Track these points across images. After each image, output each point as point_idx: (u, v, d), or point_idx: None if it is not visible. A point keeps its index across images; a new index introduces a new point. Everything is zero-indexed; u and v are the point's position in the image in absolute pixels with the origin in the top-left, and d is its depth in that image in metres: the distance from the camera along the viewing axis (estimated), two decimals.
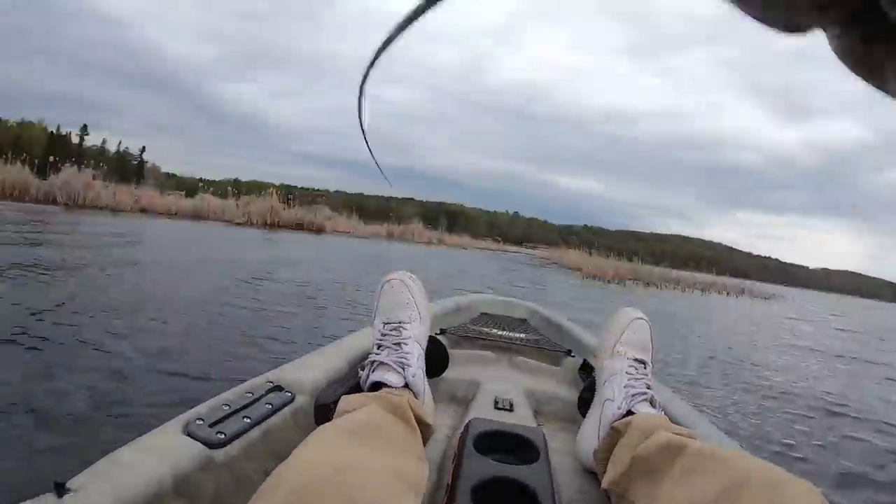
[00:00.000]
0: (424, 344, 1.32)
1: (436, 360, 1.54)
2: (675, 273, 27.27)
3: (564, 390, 1.69)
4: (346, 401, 1.04)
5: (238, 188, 29.97)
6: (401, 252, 19.27)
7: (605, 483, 1.01)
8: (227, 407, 1.01)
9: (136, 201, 22.61)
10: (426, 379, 1.27)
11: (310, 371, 1.26)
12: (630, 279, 20.66)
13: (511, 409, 1.44)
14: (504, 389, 1.57)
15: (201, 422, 0.94)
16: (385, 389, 1.14)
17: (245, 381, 1.15)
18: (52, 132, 53.07)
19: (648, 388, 1.20)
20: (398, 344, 1.24)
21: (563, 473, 1.19)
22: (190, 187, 30.85)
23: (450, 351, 1.66)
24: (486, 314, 2.56)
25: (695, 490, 0.79)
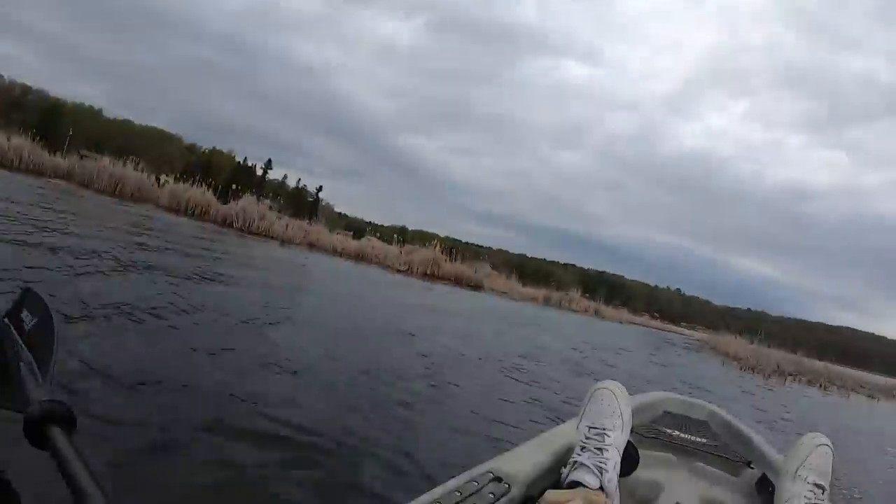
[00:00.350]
0: (622, 450, 1.41)
1: (627, 461, 1.54)
2: (840, 370, 25.68)
3: (741, 501, 1.75)
4: (550, 495, 1.20)
5: (403, 236, 31.44)
6: (556, 321, 19.34)
7: None
8: (459, 494, 1.17)
9: (305, 235, 24.15)
10: (618, 483, 1.36)
11: (522, 464, 1.38)
12: (791, 375, 19.50)
13: None
14: (685, 495, 1.67)
15: None
16: (582, 489, 1.25)
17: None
18: (238, 162, 56.36)
19: None
20: (599, 449, 1.34)
21: None
22: (358, 229, 32.42)
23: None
24: (668, 413, 2.55)
25: None
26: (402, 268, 24.68)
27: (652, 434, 2.19)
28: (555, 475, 1.41)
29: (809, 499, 1.32)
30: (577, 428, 1.45)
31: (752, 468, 2.03)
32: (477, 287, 26.85)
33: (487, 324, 11.95)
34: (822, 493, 1.34)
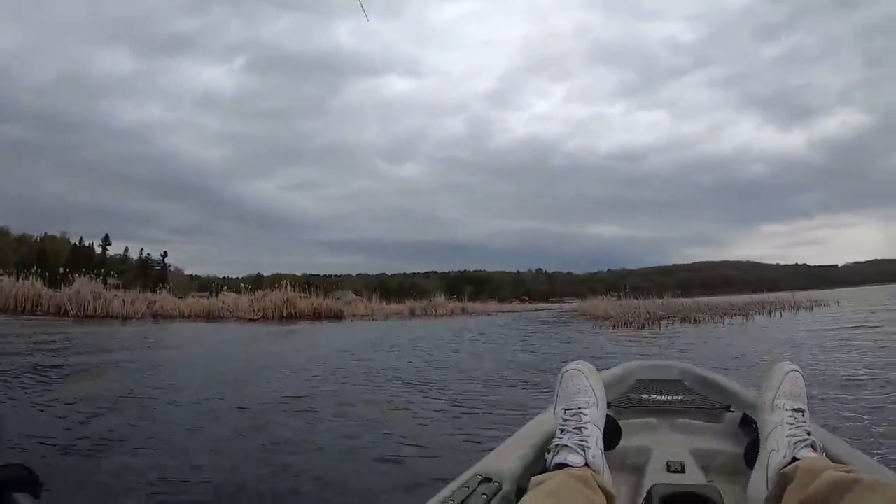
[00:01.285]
0: (602, 425, 1.47)
1: (610, 434, 1.59)
2: (707, 300, 25.68)
3: (729, 445, 1.78)
4: (536, 479, 1.25)
5: (259, 284, 30.21)
6: (418, 330, 18.35)
7: None
8: (453, 502, 1.19)
9: (150, 307, 22.89)
10: (604, 456, 1.42)
11: (508, 460, 1.43)
12: (664, 318, 19.34)
13: (683, 471, 1.55)
14: (673, 452, 1.66)
15: None
16: (568, 469, 1.29)
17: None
18: (74, 244, 53.63)
19: (809, 434, 1.33)
20: (578, 428, 1.39)
21: None
22: (213, 287, 30.22)
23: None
24: (641, 380, 2.58)
25: None
26: (255, 316, 23.87)
27: (630, 403, 2.27)
28: (542, 463, 1.42)
29: (792, 424, 1.35)
30: (554, 413, 1.50)
31: (731, 412, 2.11)
32: (338, 317, 26.33)
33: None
34: (803, 416, 1.38)
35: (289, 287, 26.17)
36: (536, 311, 44.11)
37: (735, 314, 20.30)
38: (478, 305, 41.51)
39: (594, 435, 1.39)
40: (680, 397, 2.34)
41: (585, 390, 1.48)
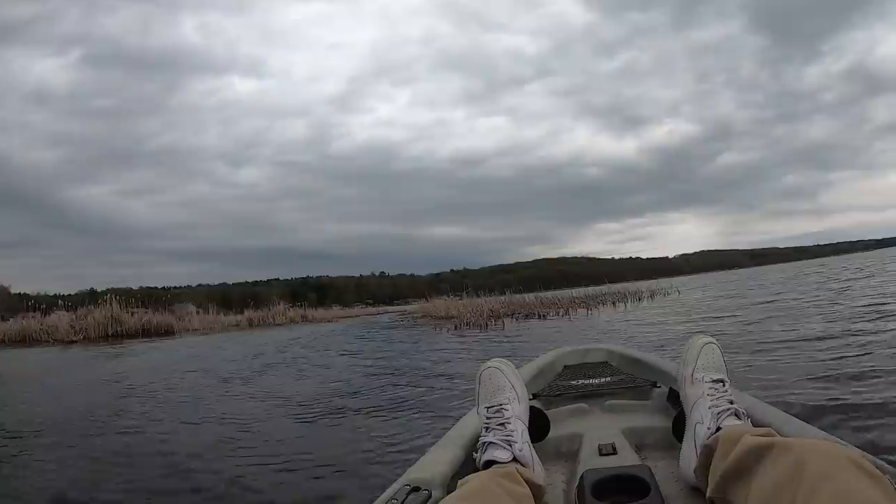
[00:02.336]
0: (526, 418, 1.46)
1: (538, 425, 1.59)
2: (551, 294, 25.60)
3: (659, 420, 1.76)
4: (461, 481, 1.18)
5: (93, 300, 26.58)
6: (246, 346, 16.15)
7: (708, 494, 1.10)
8: None
9: None
10: (532, 448, 1.39)
11: (436, 466, 1.36)
12: (508, 315, 18.53)
13: (615, 452, 1.51)
14: (605, 435, 1.63)
15: None
16: (495, 466, 1.27)
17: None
18: None
19: (731, 403, 1.32)
20: (502, 424, 1.37)
21: (674, 497, 1.25)
22: (39, 307, 27.05)
23: (546, 412, 1.73)
24: (568, 367, 2.55)
25: (767, 480, 0.90)
26: (75, 337, 21.63)
27: (558, 391, 2.21)
28: (472, 465, 1.40)
29: (713, 395, 1.35)
30: (478, 413, 1.48)
31: (659, 387, 2.11)
32: (168, 333, 24.41)
33: None
34: (724, 386, 1.38)
35: (114, 303, 24.09)
36: (378, 314, 43.63)
37: (579, 307, 19.58)
38: (320, 312, 40.48)
39: (518, 429, 1.38)
40: (608, 379, 2.28)
41: (504, 386, 1.47)
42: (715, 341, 1.48)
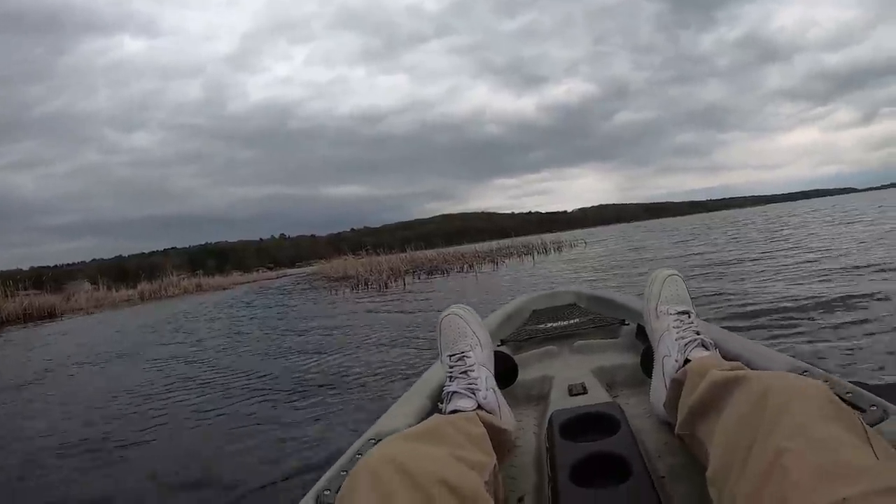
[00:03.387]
0: (491, 365, 1.40)
1: (505, 371, 1.58)
2: (452, 250, 24.22)
3: (628, 358, 1.73)
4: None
5: None
6: (130, 325, 14.31)
7: (676, 430, 1.07)
8: (345, 473, 1.04)
9: None
10: (499, 394, 1.34)
11: (402, 418, 1.32)
12: (409, 272, 17.40)
13: (585, 392, 1.49)
14: (574, 376, 1.61)
15: (329, 492, 1.03)
16: (459, 413, 1.20)
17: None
18: None
19: (698, 334, 1.27)
20: (465, 372, 1.32)
21: (645, 433, 1.24)
22: None
23: (515, 357, 1.72)
24: (536, 311, 2.52)
25: (731, 414, 0.86)
26: None
27: (527, 336, 2.16)
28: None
29: (679, 327, 1.32)
30: (441, 362, 1.44)
31: (627, 325, 2.08)
32: (52, 315, 23.10)
33: None
34: (689, 318, 1.35)
35: None
36: (278, 278, 43.06)
37: (484, 261, 18.55)
38: (216, 280, 39.98)
39: (482, 375, 1.32)
40: (576, 320, 2.26)
41: (465, 333, 1.40)
42: (678, 273, 1.44)
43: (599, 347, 1.91)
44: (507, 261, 18.46)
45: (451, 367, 1.35)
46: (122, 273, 46.52)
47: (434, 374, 1.61)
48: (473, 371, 1.32)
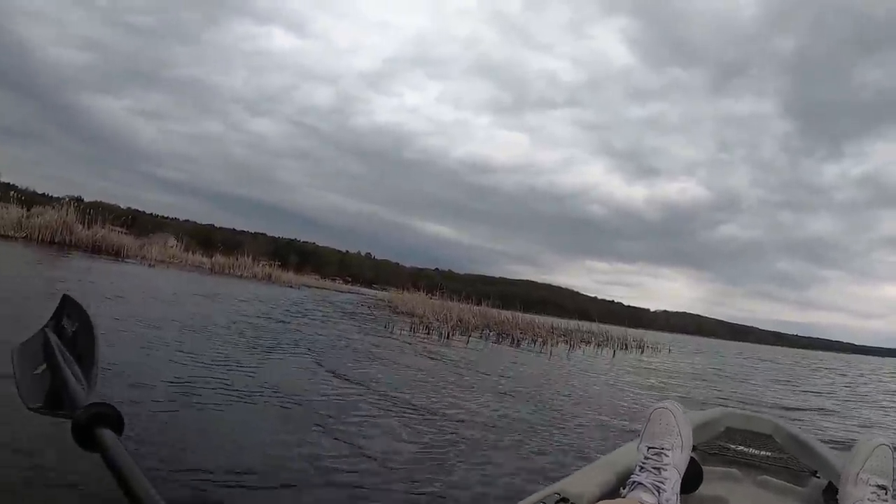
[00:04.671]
0: (683, 469, 1.39)
1: (690, 478, 1.51)
2: (529, 317, 22.13)
3: None
4: (603, 502, 1.23)
5: (78, 208, 23.94)
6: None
7: None
8: None
9: None
10: (679, 501, 1.33)
11: (587, 485, 1.37)
12: (479, 327, 15.88)
13: None
14: None
15: None
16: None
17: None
18: None
19: None
20: (658, 469, 1.32)
21: None
22: (27, 201, 24.28)
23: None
24: (730, 429, 2.28)
25: None
26: (19, 234, 19.89)
27: (715, 450, 2.13)
28: (617, 496, 1.38)
29: (874, 500, 1.29)
30: (637, 448, 1.42)
31: (818, 477, 1.98)
32: (117, 255, 22.72)
33: None
34: (886, 494, 1.31)
35: (71, 210, 21.96)
36: (349, 293, 42.13)
37: (559, 340, 16.70)
38: (290, 276, 38.75)
39: (672, 478, 1.33)
40: (768, 453, 2.15)
41: (671, 431, 1.40)
42: (889, 444, 1.38)
43: (783, 490, 1.79)
44: (583, 347, 16.61)
45: (646, 458, 1.35)
46: (208, 240, 46.65)
47: (624, 454, 1.60)
48: (666, 471, 1.31)
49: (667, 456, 1.34)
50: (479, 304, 21.25)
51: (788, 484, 1.85)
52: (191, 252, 33.45)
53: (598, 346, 17.75)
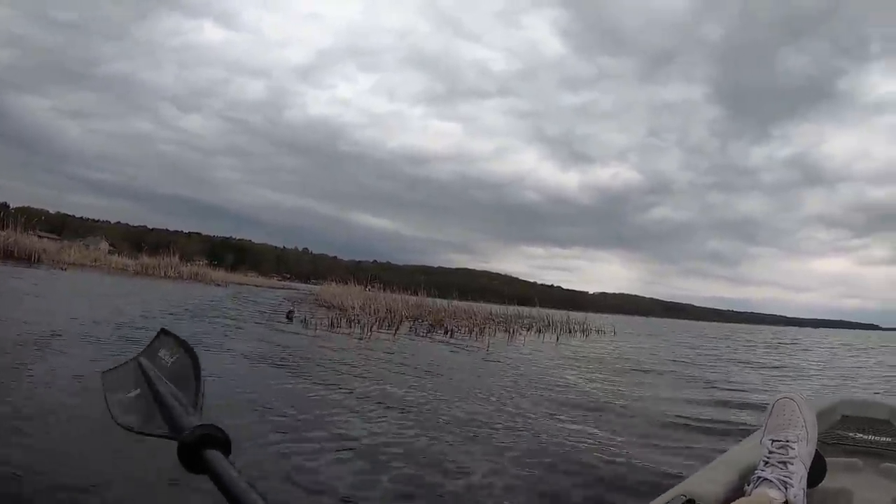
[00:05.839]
0: (808, 462, 1.32)
1: (814, 472, 1.40)
2: (466, 305, 21.52)
3: None
4: (738, 501, 1.18)
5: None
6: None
7: None
8: None
9: None
10: (806, 495, 1.25)
11: (712, 484, 1.32)
12: (412, 319, 14.54)
13: None
14: (876, 498, 1.48)
15: None
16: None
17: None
18: None
19: None
20: (783, 463, 1.25)
21: None
22: None
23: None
24: (846, 417, 2.13)
25: None
26: None
27: (833, 440, 2.00)
28: (741, 493, 1.30)
29: None
30: (761, 442, 1.36)
31: None
32: (30, 260, 22.07)
33: None
34: None
35: None
36: (284, 289, 41.07)
37: (497, 328, 15.34)
38: (220, 274, 38.27)
39: (799, 472, 1.25)
40: (888, 439, 1.96)
41: (796, 422, 1.33)
42: None
43: None
44: (524, 334, 15.13)
45: (770, 452, 1.28)
46: (140, 242, 45.36)
47: (746, 451, 1.55)
48: (792, 465, 1.24)
49: (792, 449, 1.26)
50: (415, 294, 20.05)
51: None
52: (118, 254, 33.56)
53: (540, 331, 16.38)
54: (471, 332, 13.59)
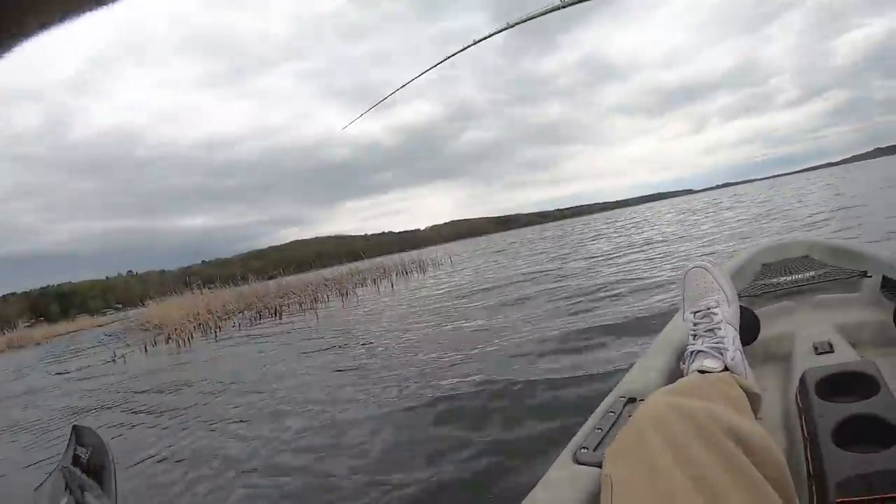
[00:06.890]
0: (737, 323, 1.24)
1: (748, 327, 1.40)
2: (298, 278, 20.23)
3: (873, 313, 1.53)
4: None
5: None
6: None
7: None
8: (600, 430, 1.04)
9: None
10: (743, 355, 1.19)
11: (648, 375, 1.26)
12: (239, 311, 13.64)
13: (832, 350, 1.32)
14: (818, 332, 1.43)
15: (586, 449, 0.97)
16: (706, 374, 1.09)
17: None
18: None
19: None
20: (710, 330, 1.19)
21: None
22: None
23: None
24: (765, 265, 2.30)
25: None
26: None
27: (760, 291, 1.95)
28: (680, 375, 1.22)
29: None
30: (683, 319, 1.29)
31: (869, 277, 1.84)
32: None
33: None
34: None
35: None
36: (113, 323, 36.20)
37: (331, 292, 14.45)
38: (41, 332, 35.24)
39: (729, 334, 1.18)
40: (811, 273, 2.01)
41: (712, 288, 1.25)
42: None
43: (840, 303, 1.68)
44: (360, 290, 14.36)
45: (695, 324, 1.22)
46: None
47: (674, 332, 1.50)
48: (720, 329, 1.18)
49: (716, 314, 1.20)
50: (237, 285, 18.76)
51: (843, 294, 1.75)
52: None
53: (375, 282, 15.65)
54: (301, 306, 12.61)
